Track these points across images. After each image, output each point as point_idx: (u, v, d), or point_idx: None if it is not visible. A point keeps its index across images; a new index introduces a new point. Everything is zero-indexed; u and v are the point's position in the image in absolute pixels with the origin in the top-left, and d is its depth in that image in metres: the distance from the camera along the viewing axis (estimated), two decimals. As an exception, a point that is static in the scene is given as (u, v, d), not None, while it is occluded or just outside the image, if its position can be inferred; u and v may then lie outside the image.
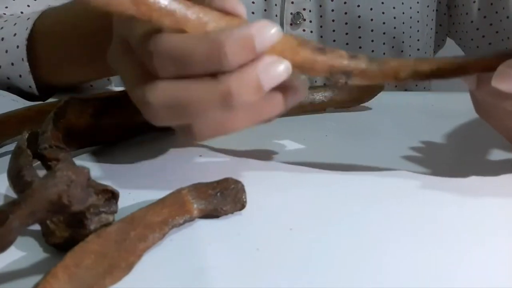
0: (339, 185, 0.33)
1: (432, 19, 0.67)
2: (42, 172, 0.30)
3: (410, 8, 0.63)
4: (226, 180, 0.28)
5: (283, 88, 0.29)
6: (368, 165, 0.35)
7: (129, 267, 0.23)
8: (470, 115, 0.37)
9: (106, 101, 0.36)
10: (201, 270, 0.24)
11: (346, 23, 0.62)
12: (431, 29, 0.68)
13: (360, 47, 0.63)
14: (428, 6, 0.66)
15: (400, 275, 0.23)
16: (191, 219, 0.27)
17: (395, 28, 0.63)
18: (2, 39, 0.51)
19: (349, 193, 0.32)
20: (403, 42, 0.64)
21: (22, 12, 0.56)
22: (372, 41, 0.63)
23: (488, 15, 0.64)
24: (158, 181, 0.33)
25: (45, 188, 0.21)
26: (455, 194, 0.31)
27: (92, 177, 0.23)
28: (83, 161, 0.36)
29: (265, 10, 0.61)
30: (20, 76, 0.51)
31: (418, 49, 0.65)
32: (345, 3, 0.61)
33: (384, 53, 0.63)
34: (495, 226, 0.28)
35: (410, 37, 0.64)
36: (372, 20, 0.62)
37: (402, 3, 0.62)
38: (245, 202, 0.28)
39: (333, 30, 0.62)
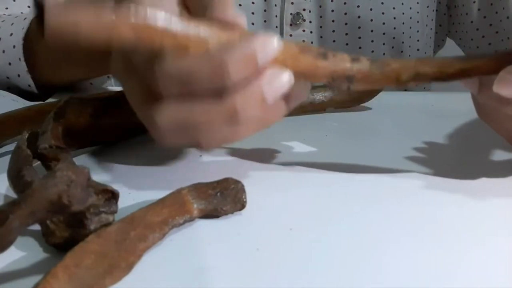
0: (339, 185, 0.33)
1: (432, 20, 0.67)
2: (42, 172, 0.30)
3: (410, 8, 0.63)
4: (226, 180, 0.28)
5: (285, 94, 0.29)
6: (368, 165, 0.35)
7: (129, 267, 0.23)
8: (470, 115, 0.37)
9: (106, 101, 0.36)
10: (201, 270, 0.24)
11: (346, 24, 0.62)
12: (431, 29, 0.68)
13: (360, 48, 0.63)
14: (428, 7, 0.66)
15: (400, 275, 0.23)
16: (191, 219, 0.27)
17: (395, 28, 0.63)
18: (0, 39, 0.51)
19: (349, 193, 0.32)
20: (403, 42, 0.64)
21: (22, 13, 0.56)
22: (372, 41, 0.63)
23: (488, 15, 0.64)
24: (158, 181, 0.33)
25: (45, 188, 0.21)
26: (455, 194, 0.31)
27: (92, 177, 0.23)
28: (83, 161, 0.36)
29: (264, 10, 0.61)
30: (19, 75, 0.51)
31: (418, 49, 0.65)
32: (345, 3, 0.61)
33: (384, 54, 0.63)
34: (495, 226, 0.28)
35: (410, 37, 0.64)
36: (372, 20, 0.62)
37: (402, 4, 0.62)
38: (245, 202, 0.28)
39: (333, 31, 0.62)
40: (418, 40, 0.65)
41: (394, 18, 0.62)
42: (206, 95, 0.28)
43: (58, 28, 0.24)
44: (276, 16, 0.61)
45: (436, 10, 0.68)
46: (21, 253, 0.25)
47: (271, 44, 0.28)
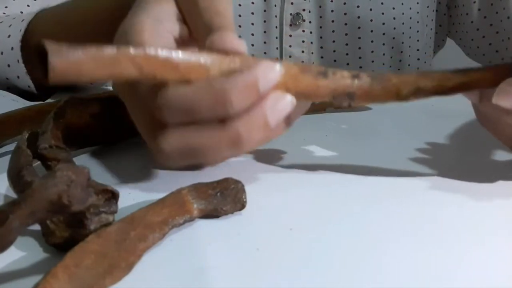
0: (339, 185, 0.33)
1: (432, 20, 0.67)
2: (42, 172, 0.30)
3: (410, 8, 0.63)
4: (226, 180, 0.28)
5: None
6: (368, 165, 0.35)
7: (129, 267, 0.23)
8: (470, 115, 0.37)
9: (106, 101, 0.36)
10: (201, 270, 0.24)
11: (346, 24, 0.62)
12: (431, 29, 0.68)
13: (359, 48, 0.63)
14: (428, 7, 0.66)
15: (400, 275, 0.23)
16: (191, 219, 0.27)
17: (394, 28, 0.63)
18: None
19: (349, 193, 0.32)
20: (402, 42, 0.64)
21: (22, 12, 0.56)
22: (372, 41, 0.63)
23: (488, 16, 0.64)
24: (158, 181, 0.33)
25: (45, 188, 0.21)
26: (455, 194, 0.31)
27: (92, 177, 0.23)
28: (83, 161, 0.35)
29: (264, 10, 0.61)
30: (18, 77, 0.51)
31: (418, 50, 0.65)
32: (344, 3, 0.61)
33: (383, 54, 0.64)
34: (495, 226, 0.28)
35: (410, 37, 0.64)
36: (371, 20, 0.62)
37: (402, 4, 0.62)
38: (245, 202, 0.28)
39: (333, 31, 0.62)
40: (418, 40, 0.65)
41: (394, 18, 0.62)
42: (210, 121, 0.28)
43: (62, 69, 0.24)
44: (275, 16, 0.61)
45: (436, 10, 0.68)
46: (21, 253, 0.25)
47: (272, 71, 0.28)
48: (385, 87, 0.30)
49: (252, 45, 0.61)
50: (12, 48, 0.50)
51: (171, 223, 0.26)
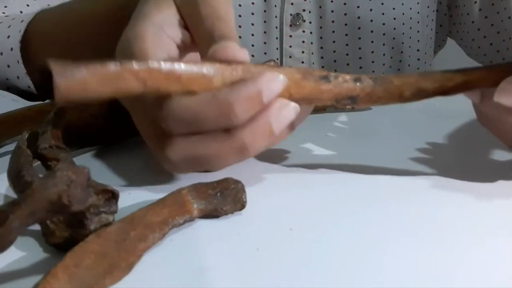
0: (339, 185, 0.33)
1: (432, 20, 0.67)
2: (42, 172, 0.30)
3: (410, 9, 0.63)
4: (226, 180, 0.28)
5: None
6: (368, 165, 0.35)
7: (129, 267, 0.23)
8: (470, 115, 0.37)
9: (106, 101, 0.36)
10: (201, 270, 0.24)
11: (346, 24, 0.62)
12: (432, 29, 0.68)
13: (359, 48, 0.63)
14: (428, 7, 0.66)
15: (400, 275, 0.23)
16: (191, 219, 0.27)
17: (395, 29, 0.63)
18: None
19: (349, 193, 0.32)
20: (403, 43, 0.64)
21: (21, 12, 0.56)
22: (372, 42, 0.63)
23: (489, 16, 0.64)
24: (158, 181, 0.33)
25: (45, 188, 0.21)
26: (455, 194, 0.31)
27: (92, 177, 0.23)
28: (83, 161, 0.36)
29: (264, 11, 0.61)
30: (18, 77, 0.51)
31: (418, 50, 0.65)
32: (344, 4, 0.61)
33: (384, 54, 0.63)
34: (495, 226, 0.28)
35: (410, 38, 0.64)
36: (372, 21, 0.62)
37: (402, 4, 0.62)
38: (245, 202, 0.28)
39: (333, 31, 0.62)
40: (418, 41, 0.65)
41: (394, 18, 0.62)
42: (215, 131, 0.29)
43: (68, 89, 0.24)
44: (276, 16, 0.61)
45: (437, 10, 0.68)
46: (21, 253, 0.25)
47: (276, 82, 0.29)
48: (388, 89, 0.30)
49: (252, 45, 0.61)
50: (11, 49, 0.50)
51: (171, 223, 0.26)
